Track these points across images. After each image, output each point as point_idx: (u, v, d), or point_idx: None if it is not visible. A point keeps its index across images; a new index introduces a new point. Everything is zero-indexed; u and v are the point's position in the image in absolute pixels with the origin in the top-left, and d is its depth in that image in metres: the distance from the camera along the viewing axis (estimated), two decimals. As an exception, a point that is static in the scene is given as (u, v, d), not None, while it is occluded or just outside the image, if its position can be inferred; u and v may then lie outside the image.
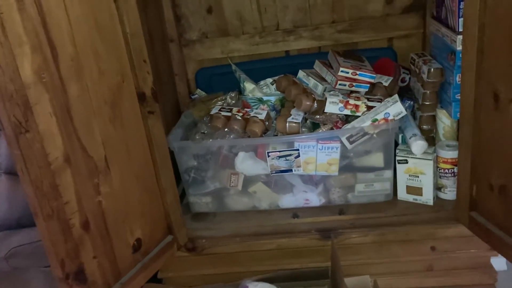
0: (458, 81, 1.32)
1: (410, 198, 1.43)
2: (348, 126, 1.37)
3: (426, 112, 1.49)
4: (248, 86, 1.64)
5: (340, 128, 1.38)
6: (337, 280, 1.22)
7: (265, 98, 1.60)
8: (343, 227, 1.41)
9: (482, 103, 1.17)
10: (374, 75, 1.47)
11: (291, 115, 1.44)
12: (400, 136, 1.48)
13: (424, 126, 1.50)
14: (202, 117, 1.56)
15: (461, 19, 1.25)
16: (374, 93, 1.48)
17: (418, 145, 1.37)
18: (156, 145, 1.29)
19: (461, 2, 1.26)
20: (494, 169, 1.19)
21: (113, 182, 1.17)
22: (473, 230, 1.31)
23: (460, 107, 1.25)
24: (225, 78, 1.75)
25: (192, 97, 1.80)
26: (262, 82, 1.67)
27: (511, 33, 1.04)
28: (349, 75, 1.45)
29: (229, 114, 1.49)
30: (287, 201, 1.48)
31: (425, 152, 1.38)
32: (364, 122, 1.35)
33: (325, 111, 1.39)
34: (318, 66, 1.58)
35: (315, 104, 1.40)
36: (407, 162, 1.40)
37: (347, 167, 1.42)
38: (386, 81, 1.51)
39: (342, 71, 1.45)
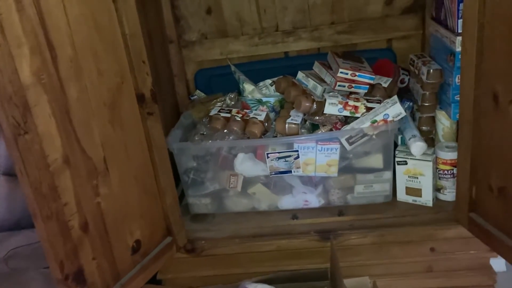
0: (458, 82, 1.32)
1: (410, 199, 1.43)
2: (348, 127, 1.37)
3: (425, 113, 1.49)
4: (248, 87, 1.64)
5: (340, 129, 1.38)
6: (337, 281, 1.22)
7: (264, 99, 1.60)
8: (343, 228, 1.41)
9: (481, 104, 1.17)
10: (374, 76, 1.47)
11: (290, 116, 1.44)
12: (399, 137, 1.48)
13: (423, 127, 1.50)
14: (202, 118, 1.56)
15: (460, 20, 1.25)
16: (374, 94, 1.48)
17: (417, 146, 1.37)
18: (155, 146, 1.28)
19: (460, 3, 1.26)
20: (494, 170, 1.19)
21: (112, 183, 1.17)
22: (472, 232, 1.31)
23: (460, 108, 1.26)
24: (224, 79, 1.75)
25: (191, 98, 1.80)
26: (261, 83, 1.67)
27: (511, 34, 1.04)
28: (348, 76, 1.45)
29: (228, 115, 1.49)
30: (287, 202, 1.48)
31: (424, 153, 1.38)
32: (364, 123, 1.35)
33: (324, 112, 1.39)
34: (317, 67, 1.58)
35: (315, 105, 1.40)
36: (406, 163, 1.40)
37: (347, 168, 1.42)
38: (385, 82, 1.51)
39: (341, 72, 1.45)
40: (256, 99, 1.60)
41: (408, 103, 1.54)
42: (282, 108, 1.56)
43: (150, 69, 1.24)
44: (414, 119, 1.53)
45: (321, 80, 1.54)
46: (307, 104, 1.40)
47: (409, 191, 1.43)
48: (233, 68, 1.72)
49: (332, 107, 1.38)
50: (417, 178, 1.40)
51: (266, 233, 1.44)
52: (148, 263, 1.30)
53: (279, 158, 1.40)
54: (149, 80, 1.24)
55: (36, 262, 1.51)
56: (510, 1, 1.03)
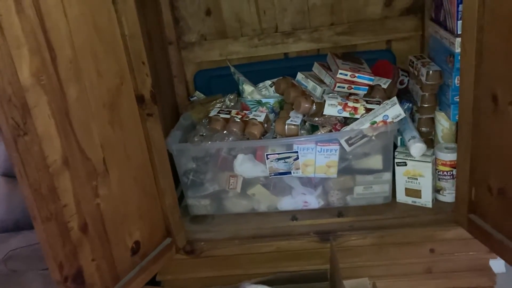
0: (457, 84, 1.32)
1: (409, 200, 1.43)
2: (347, 128, 1.37)
3: (425, 115, 1.50)
4: (247, 88, 1.64)
5: (339, 130, 1.38)
6: (336, 282, 1.22)
7: (264, 100, 1.60)
8: (342, 229, 1.41)
9: (480, 106, 1.18)
10: (373, 78, 1.47)
11: (290, 117, 1.44)
12: (399, 138, 1.48)
13: (423, 129, 1.50)
14: (201, 119, 1.56)
15: (459, 22, 1.25)
16: (373, 95, 1.48)
17: (417, 147, 1.37)
18: (154, 148, 1.28)
19: (459, 5, 1.26)
20: (493, 172, 1.19)
21: (112, 184, 1.17)
22: (472, 233, 1.31)
23: (459, 110, 1.26)
24: (224, 80, 1.75)
25: (191, 99, 1.80)
26: (261, 85, 1.67)
27: (510, 36, 1.04)
28: (348, 78, 1.45)
29: (228, 116, 1.49)
30: (286, 203, 1.48)
31: (424, 155, 1.38)
32: (363, 125, 1.35)
33: (324, 113, 1.39)
34: (317, 68, 1.58)
35: (314, 106, 1.41)
36: (406, 165, 1.40)
37: (346, 169, 1.42)
38: (384, 83, 1.52)
39: (340, 74, 1.45)
40: (255, 100, 1.60)
41: (408, 104, 1.54)
42: (281, 109, 1.56)
43: (150, 70, 1.24)
44: (413, 120, 1.54)
45: (321, 81, 1.54)
46: (306, 105, 1.40)
47: (409, 192, 1.43)
48: (232, 69, 1.72)
49: (332, 108, 1.38)
50: (417, 179, 1.40)
51: (265, 234, 1.44)
52: (148, 264, 1.30)
53: (279, 159, 1.40)
54: (149, 81, 1.24)
55: (35, 263, 1.51)
56: (509, 3, 1.03)
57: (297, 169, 1.41)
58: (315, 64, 1.59)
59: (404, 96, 1.58)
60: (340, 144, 1.37)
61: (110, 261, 1.19)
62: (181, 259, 1.45)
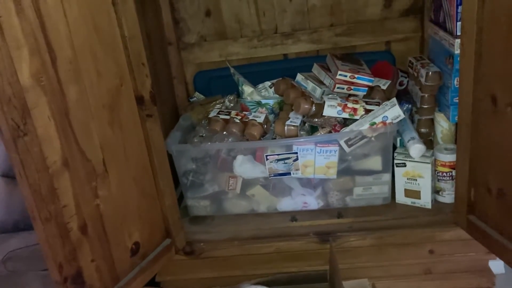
0: (456, 85, 1.32)
1: (408, 201, 1.44)
2: (346, 129, 1.37)
3: (424, 116, 1.50)
4: (247, 89, 1.64)
5: (339, 131, 1.38)
6: (336, 283, 1.22)
7: (263, 101, 1.60)
8: (342, 230, 1.41)
9: (480, 107, 1.18)
10: (372, 79, 1.47)
11: (289, 118, 1.44)
12: (398, 139, 1.48)
13: (422, 130, 1.50)
14: (201, 120, 1.56)
15: (459, 23, 1.26)
16: (372, 96, 1.48)
17: (416, 148, 1.37)
18: (154, 148, 1.28)
19: (459, 6, 1.26)
20: (492, 173, 1.19)
21: (111, 185, 1.17)
22: (471, 234, 1.31)
23: (458, 111, 1.26)
24: (224, 81, 1.75)
25: (191, 100, 1.80)
26: (260, 85, 1.67)
27: (509, 37, 1.04)
28: (347, 79, 1.45)
29: (227, 117, 1.49)
30: (286, 204, 1.48)
31: (423, 156, 1.39)
32: (362, 126, 1.35)
33: (323, 114, 1.39)
34: (316, 69, 1.58)
35: (314, 107, 1.41)
36: (405, 166, 1.40)
37: (345, 170, 1.42)
38: (384, 84, 1.52)
39: (340, 75, 1.45)
40: (255, 101, 1.60)
41: (407, 105, 1.55)
42: (281, 110, 1.56)
43: (149, 71, 1.24)
44: (413, 121, 1.54)
45: (320, 82, 1.55)
46: (306, 106, 1.41)
47: (408, 193, 1.43)
48: (232, 70, 1.72)
49: (331, 109, 1.38)
50: (416, 180, 1.40)
51: (265, 235, 1.44)
52: (147, 265, 1.30)
53: (278, 160, 1.40)
54: (149, 82, 1.24)
55: (34, 264, 1.51)
56: (508, 4, 1.03)
57: (297, 170, 1.41)
58: (315, 65, 1.59)
59: (403, 97, 1.58)
60: (340, 145, 1.37)
61: (110, 261, 1.19)
62: (180, 260, 1.45)
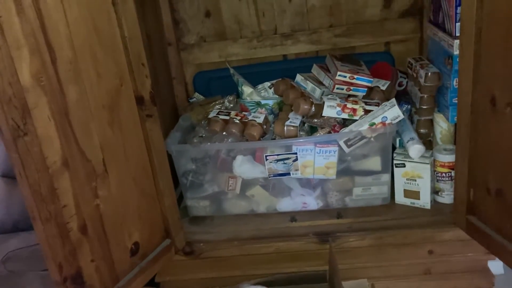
0: (455, 85, 1.33)
1: (408, 201, 1.44)
2: (346, 130, 1.37)
3: (423, 116, 1.50)
4: (246, 89, 1.64)
5: (338, 132, 1.39)
6: (335, 283, 1.22)
7: (263, 101, 1.60)
8: (341, 230, 1.41)
9: (479, 107, 1.18)
10: (372, 79, 1.48)
11: (289, 118, 1.44)
12: (397, 140, 1.48)
13: (421, 130, 1.50)
14: (200, 120, 1.56)
15: (458, 24, 1.26)
16: (372, 97, 1.48)
17: (415, 149, 1.38)
18: (154, 149, 1.29)
19: (458, 7, 1.27)
20: (491, 173, 1.19)
21: (111, 185, 1.17)
22: (470, 234, 1.31)
23: (457, 111, 1.26)
24: (223, 82, 1.75)
25: (190, 100, 1.80)
26: (260, 86, 1.67)
27: (508, 37, 1.05)
28: (347, 79, 1.46)
29: (227, 117, 1.49)
30: (285, 204, 1.48)
31: (422, 156, 1.39)
32: (362, 126, 1.35)
33: (323, 114, 1.39)
34: (316, 70, 1.58)
35: (313, 108, 1.41)
36: (404, 166, 1.40)
37: (345, 170, 1.42)
38: (383, 85, 1.52)
39: (339, 75, 1.45)
40: (254, 101, 1.61)
41: (406, 106, 1.55)
42: (280, 111, 1.56)
43: (149, 71, 1.24)
44: (412, 122, 1.54)
45: (320, 83, 1.55)
46: (305, 106, 1.41)
47: (407, 193, 1.43)
48: (232, 70, 1.72)
49: (331, 110, 1.38)
50: (415, 180, 1.40)
51: (264, 236, 1.44)
52: (147, 265, 1.30)
53: (278, 160, 1.40)
54: (148, 82, 1.24)
55: (34, 264, 1.51)
56: (507, 5, 1.03)
57: (296, 170, 1.41)
58: (314, 65, 1.59)
59: (402, 97, 1.58)
60: (339, 146, 1.38)
61: (110, 262, 1.19)
62: (180, 260, 1.45)
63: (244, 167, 1.43)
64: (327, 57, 1.59)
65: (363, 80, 1.46)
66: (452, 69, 1.34)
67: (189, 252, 1.45)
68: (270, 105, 1.59)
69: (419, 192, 1.41)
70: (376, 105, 1.39)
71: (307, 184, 1.46)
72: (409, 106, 1.55)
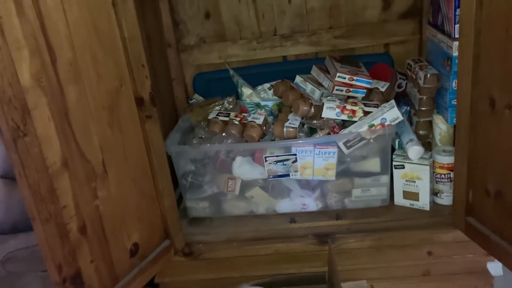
0: (454, 87, 1.33)
1: (407, 203, 1.44)
2: (345, 131, 1.37)
3: (422, 118, 1.50)
4: (246, 91, 1.64)
5: (337, 133, 1.39)
6: (334, 285, 1.22)
7: (262, 103, 1.60)
8: (340, 232, 1.41)
9: (478, 109, 1.18)
10: (371, 81, 1.48)
11: (288, 120, 1.44)
12: (396, 141, 1.49)
13: (420, 132, 1.51)
14: (200, 121, 1.56)
15: (457, 25, 1.26)
16: (371, 98, 1.48)
17: (414, 150, 1.38)
18: (153, 150, 1.29)
19: (457, 9, 1.27)
20: (490, 174, 1.19)
21: (111, 186, 1.17)
22: (469, 235, 1.31)
23: (457, 113, 1.26)
24: (223, 83, 1.75)
25: (190, 101, 1.80)
26: (259, 87, 1.67)
27: (507, 39, 1.05)
28: (346, 81, 1.46)
29: (226, 119, 1.49)
30: (284, 206, 1.48)
31: (421, 157, 1.39)
32: (361, 127, 1.36)
33: (322, 116, 1.40)
34: (315, 71, 1.59)
35: (312, 109, 1.41)
36: (403, 167, 1.40)
37: (344, 172, 1.42)
38: (382, 86, 1.52)
39: (339, 77, 1.45)
40: (254, 102, 1.61)
41: (405, 107, 1.55)
42: (280, 112, 1.56)
43: (149, 72, 1.24)
44: (411, 124, 1.54)
45: (319, 84, 1.55)
46: (305, 108, 1.41)
47: (406, 195, 1.43)
48: (231, 72, 1.72)
49: (330, 111, 1.38)
50: (414, 182, 1.40)
51: (264, 237, 1.44)
52: (146, 266, 1.30)
53: (277, 161, 1.40)
54: (148, 83, 1.24)
55: (33, 265, 1.51)
56: (506, 7, 1.04)
57: (296, 171, 1.41)
58: (314, 67, 1.60)
59: (402, 99, 1.59)
60: (338, 147, 1.38)
61: (109, 262, 1.19)
62: (179, 261, 1.45)
63: (243, 168, 1.43)
64: (326, 58, 1.59)
65: (363, 82, 1.47)
66: (451, 70, 1.35)
67: (188, 253, 1.45)
68: (270, 106, 1.59)
69: (418, 193, 1.41)
70: (375, 107, 1.40)
71: (307, 185, 1.47)
72: (408, 108, 1.56)
